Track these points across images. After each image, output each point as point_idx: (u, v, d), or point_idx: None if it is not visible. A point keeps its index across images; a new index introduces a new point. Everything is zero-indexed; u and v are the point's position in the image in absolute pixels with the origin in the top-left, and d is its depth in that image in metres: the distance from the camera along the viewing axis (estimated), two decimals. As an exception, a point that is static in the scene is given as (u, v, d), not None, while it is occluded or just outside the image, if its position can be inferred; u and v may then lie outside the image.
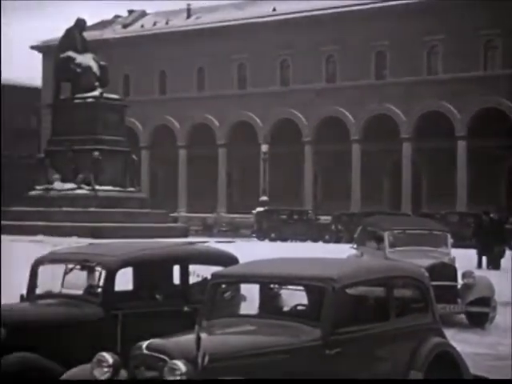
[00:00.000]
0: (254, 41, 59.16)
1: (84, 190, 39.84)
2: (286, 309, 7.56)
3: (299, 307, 7.55)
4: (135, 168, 43.57)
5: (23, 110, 79.64)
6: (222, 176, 62.16)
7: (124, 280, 8.56)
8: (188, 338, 6.13)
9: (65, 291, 8.24)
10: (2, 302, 8.22)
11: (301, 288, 7.42)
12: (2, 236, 35.96)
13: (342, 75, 57.35)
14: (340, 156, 56.98)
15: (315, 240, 42.41)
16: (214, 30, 61.57)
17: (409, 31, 52.95)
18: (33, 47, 72.07)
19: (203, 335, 6.01)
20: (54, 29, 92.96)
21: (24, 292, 8.42)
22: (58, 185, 40.67)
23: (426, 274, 8.20)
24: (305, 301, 7.58)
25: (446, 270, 14.71)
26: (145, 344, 6.15)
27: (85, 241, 27.25)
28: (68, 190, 40.06)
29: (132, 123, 58.81)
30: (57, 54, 44.03)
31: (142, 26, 67.79)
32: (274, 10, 60.44)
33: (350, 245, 20.05)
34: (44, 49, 68.25)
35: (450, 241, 16.78)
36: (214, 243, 27.84)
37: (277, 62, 59.83)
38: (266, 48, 58.54)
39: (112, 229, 35.58)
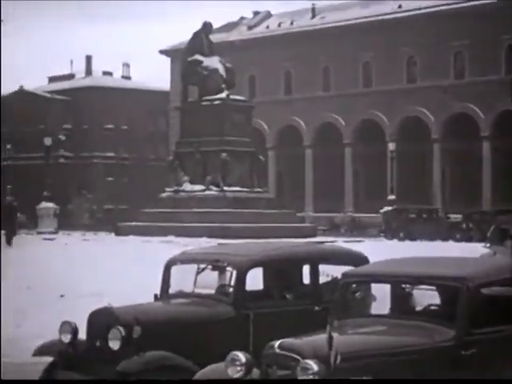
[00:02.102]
0: (379, 39, 58.66)
1: (213, 191, 40.31)
2: (418, 309, 7.44)
3: (432, 307, 7.41)
4: (262, 168, 43.85)
5: (153, 113, 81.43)
6: (348, 175, 61.91)
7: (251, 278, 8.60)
8: (320, 338, 6.12)
9: (197, 291, 8.35)
10: (138, 302, 8.38)
11: (433, 288, 7.29)
12: (135, 237, 36.94)
13: (470, 71, 56.19)
14: (469, 153, 55.82)
15: (445, 239, 41.64)
16: (338, 30, 61.40)
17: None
18: (161, 52, 73.53)
19: (335, 335, 5.98)
20: (182, 33, 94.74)
21: (158, 292, 8.57)
22: (187, 186, 41.30)
23: None
24: (437, 300, 7.44)
25: None
26: (277, 343, 6.16)
27: (214, 241, 27.61)
28: (197, 191, 40.62)
29: (258, 124, 59.23)
30: (184, 58, 44.75)
31: (267, 27, 68.21)
32: (400, 7, 59.80)
33: (482, 244, 19.64)
34: (172, 53, 69.50)
35: None
36: (342, 243, 27.80)
37: (403, 59, 59.16)
38: (392, 46, 57.95)
39: (240, 229, 35.89)
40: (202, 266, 8.44)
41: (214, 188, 40.39)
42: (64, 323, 7.76)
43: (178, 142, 44.30)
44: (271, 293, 8.52)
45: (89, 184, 79.74)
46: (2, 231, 35.51)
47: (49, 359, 7.67)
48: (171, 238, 35.09)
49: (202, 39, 43.57)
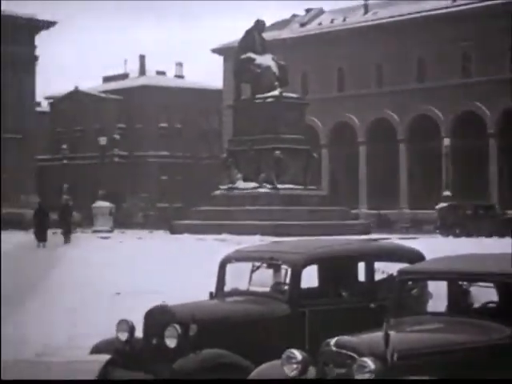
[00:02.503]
0: (432, 34, 58.11)
1: (266, 189, 40.37)
2: (475, 306, 7.36)
3: (489, 305, 7.32)
4: (315, 166, 43.77)
5: (206, 111, 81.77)
6: (402, 171, 61.50)
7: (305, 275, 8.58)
8: (376, 336, 6.08)
9: (252, 289, 8.35)
10: (193, 300, 8.41)
11: (490, 285, 7.20)
12: (190, 235, 37.18)
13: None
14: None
15: (502, 235, 41.07)
16: (391, 25, 60.97)
17: None
18: (213, 50, 73.73)
19: (391, 332, 5.95)
20: (234, 31, 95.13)
21: (213, 289, 8.59)
22: (240, 184, 41.42)
23: None
24: (495, 298, 7.35)
25: None
26: (333, 341, 6.14)
27: (267, 239, 27.66)
28: (250, 188, 40.70)
29: (311, 121, 59.10)
30: (237, 56, 44.87)
31: (320, 24, 68.02)
32: (454, 1, 59.19)
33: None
34: (224, 51, 69.67)
35: None
36: (396, 239, 27.63)
37: (458, 54, 58.50)
38: (447, 41, 57.36)
39: (294, 226, 35.90)
40: (257, 263, 8.43)
41: (268, 185, 40.44)
42: (121, 321, 7.82)
43: (232, 140, 44.44)
44: (326, 290, 8.48)
45: (143, 183, 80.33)
46: (60, 230, 36.17)
47: (106, 357, 7.74)
48: (225, 235, 35.25)
49: (254, 37, 43.65)
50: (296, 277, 8.04)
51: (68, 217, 37.06)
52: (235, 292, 8.42)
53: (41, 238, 32.52)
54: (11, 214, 55.50)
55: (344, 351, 6.04)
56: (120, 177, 78.07)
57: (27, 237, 37.32)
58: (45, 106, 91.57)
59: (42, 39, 70.60)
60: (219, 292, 8.51)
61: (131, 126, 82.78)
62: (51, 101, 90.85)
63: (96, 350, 7.99)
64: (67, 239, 35.17)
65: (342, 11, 67.72)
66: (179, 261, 22.72)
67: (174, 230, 41.62)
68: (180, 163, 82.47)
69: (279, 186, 40.21)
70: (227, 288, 8.52)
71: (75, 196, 64.19)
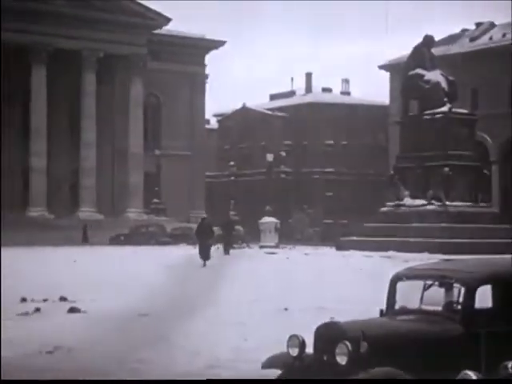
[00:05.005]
0: None
1: (434, 206, 39.72)
2: None
3: None
4: (486, 183, 42.73)
5: (372, 128, 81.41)
6: None
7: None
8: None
9: (423, 307, 8.20)
10: (361, 317, 8.34)
11: None
12: (356, 251, 37.01)
13: None
14: None
15: None
16: None
17: None
18: (380, 67, 73.48)
19: None
20: (400, 47, 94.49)
21: (382, 307, 8.50)
22: (407, 201, 40.96)
23: None
24: None
25: None
26: (510, 364, 5.95)
27: (436, 256, 27.18)
28: (418, 206, 40.16)
29: (481, 137, 57.71)
30: (405, 72, 44.45)
31: (491, 39, 66.43)
32: None
33: None
34: (391, 68, 69.25)
35: None
36: None
37: None
38: None
39: (463, 244, 35.11)
40: (429, 282, 8.27)
41: (436, 203, 39.78)
42: (292, 337, 7.83)
43: (399, 157, 44.01)
44: (502, 311, 8.20)
45: (309, 199, 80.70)
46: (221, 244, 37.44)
47: (276, 372, 7.78)
48: (391, 253, 34.89)
49: (423, 53, 43.15)
50: (470, 296, 7.84)
51: (230, 231, 38.33)
52: (406, 310, 8.29)
53: (203, 256, 31.16)
54: (181, 228, 56.93)
55: (523, 375, 5.85)
56: (286, 193, 78.78)
57: (196, 251, 38.25)
58: (213, 123, 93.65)
59: (212, 58, 72.42)
60: (389, 310, 8.40)
61: (297, 143, 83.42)
62: (219, 118, 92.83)
63: (267, 364, 8.04)
64: (227, 252, 37.05)
65: (515, 24, 65.84)
66: (346, 277, 22.67)
67: (340, 247, 41.58)
68: (345, 180, 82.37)
69: (448, 203, 39.48)
70: (397, 306, 8.41)
71: (241, 212, 65.24)
